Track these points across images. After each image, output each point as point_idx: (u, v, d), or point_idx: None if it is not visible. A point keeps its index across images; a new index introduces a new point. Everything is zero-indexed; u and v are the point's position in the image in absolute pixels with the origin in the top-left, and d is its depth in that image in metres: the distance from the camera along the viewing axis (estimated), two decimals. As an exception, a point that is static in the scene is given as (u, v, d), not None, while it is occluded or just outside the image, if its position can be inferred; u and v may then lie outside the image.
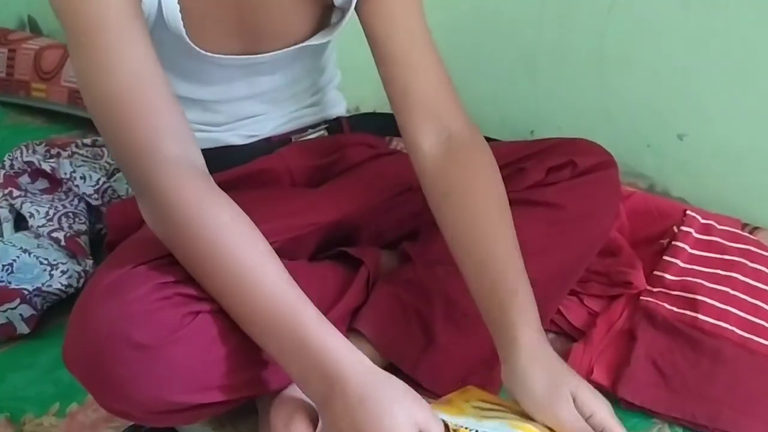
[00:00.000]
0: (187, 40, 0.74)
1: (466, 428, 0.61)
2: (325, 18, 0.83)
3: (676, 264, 0.93)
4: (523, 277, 0.71)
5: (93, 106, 0.65)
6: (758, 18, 0.91)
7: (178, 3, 0.72)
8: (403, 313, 0.82)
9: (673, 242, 0.94)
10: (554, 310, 0.90)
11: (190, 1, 0.73)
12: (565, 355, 0.86)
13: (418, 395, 0.60)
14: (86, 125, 1.51)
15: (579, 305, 0.94)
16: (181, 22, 0.73)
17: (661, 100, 1.03)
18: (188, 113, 0.72)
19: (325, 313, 0.78)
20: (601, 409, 0.64)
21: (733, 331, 0.86)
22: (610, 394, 0.81)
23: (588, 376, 0.84)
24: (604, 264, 0.94)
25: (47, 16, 1.88)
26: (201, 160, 0.66)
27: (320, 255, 0.86)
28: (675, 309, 0.88)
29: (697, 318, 0.87)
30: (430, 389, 0.82)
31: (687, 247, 0.94)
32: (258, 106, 0.87)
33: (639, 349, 0.85)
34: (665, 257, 0.93)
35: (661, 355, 0.84)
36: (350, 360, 0.60)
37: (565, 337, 0.92)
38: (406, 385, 0.60)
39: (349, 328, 0.81)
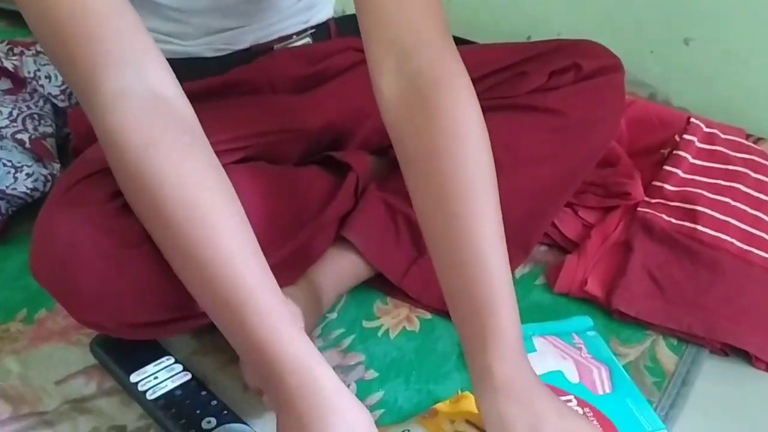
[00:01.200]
0: None
1: None
2: None
3: (676, 174, 0.89)
4: (508, 287, 0.58)
5: (32, 17, 0.57)
6: None
7: None
8: (393, 220, 0.78)
9: (675, 151, 0.90)
10: (549, 222, 0.86)
11: None
12: (558, 268, 0.84)
13: (370, 423, 0.52)
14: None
15: (573, 217, 0.90)
16: None
17: (668, 2, 0.97)
18: (150, 21, 0.64)
19: (311, 221, 0.76)
20: None
21: (732, 242, 0.83)
22: (603, 306, 0.79)
23: (581, 288, 0.81)
24: (600, 175, 0.90)
25: None
26: (166, 85, 0.57)
27: (306, 160, 0.81)
28: (673, 220, 0.85)
29: (696, 229, 0.83)
30: (416, 299, 0.80)
31: (689, 157, 0.90)
32: (225, 20, 0.77)
33: (635, 260, 0.81)
34: (665, 167, 0.89)
35: (657, 267, 0.81)
36: (306, 379, 0.52)
37: (558, 249, 0.89)
38: (363, 412, 0.52)
39: (336, 236, 0.78)
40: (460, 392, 0.66)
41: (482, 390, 0.56)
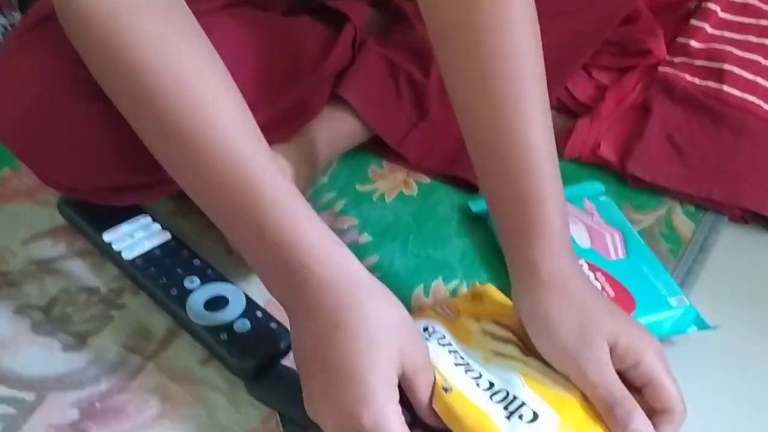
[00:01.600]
0: None
1: (466, 375, 0.47)
2: None
3: (703, 29, 0.81)
4: (557, 179, 0.52)
5: None
6: None
7: None
8: (394, 78, 0.72)
9: (703, 3, 0.82)
10: (563, 84, 0.80)
11: None
12: (568, 132, 0.77)
13: (410, 320, 0.46)
14: None
15: (586, 78, 0.83)
16: None
17: None
18: None
19: (305, 75, 0.68)
20: (649, 354, 0.47)
21: (760, 105, 0.77)
22: (617, 170, 0.74)
23: (594, 152, 0.75)
24: (618, 32, 0.82)
25: None
26: None
27: (298, 8, 0.72)
28: (697, 80, 0.78)
29: (721, 90, 0.77)
30: (416, 164, 0.74)
31: (718, 9, 0.82)
32: None
33: (653, 123, 0.75)
34: (692, 21, 0.82)
35: (678, 129, 0.75)
36: (326, 256, 0.45)
37: (568, 113, 0.82)
38: (401, 307, 0.46)
39: (331, 94, 0.70)
40: (477, 284, 0.60)
41: (525, 288, 0.50)
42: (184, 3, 0.50)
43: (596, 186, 0.72)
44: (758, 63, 0.78)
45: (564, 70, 0.77)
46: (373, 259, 0.65)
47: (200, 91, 0.47)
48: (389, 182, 0.74)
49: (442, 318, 0.53)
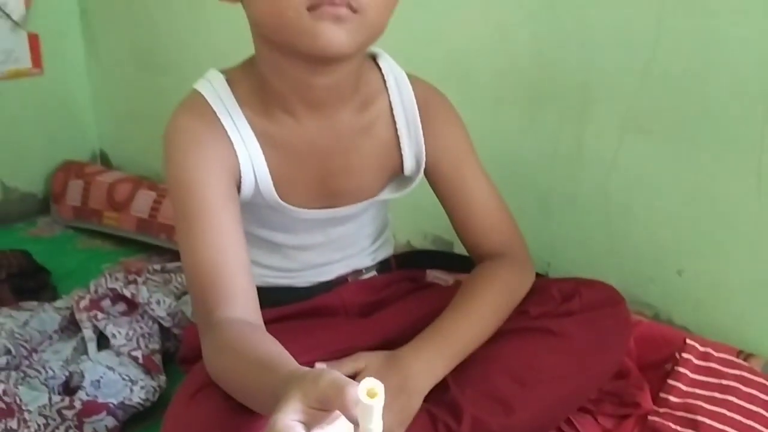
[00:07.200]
0: (280, 201, 0.91)
1: None
2: (395, 175, 1.00)
3: (678, 387, 1.04)
4: (457, 336, 0.88)
5: (184, 267, 0.83)
6: (739, 172, 1.08)
7: (270, 175, 0.89)
8: (434, 426, 0.89)
9: (676, 367, 1.06)
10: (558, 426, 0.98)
11: (281, 171, 0.90)
12: (582, 469, 0.97)
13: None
14: (151, 250, 1.70)
15: (594, 423, 1.04)
16: (275, 192, 0.89)
17: (660, 240, 1.18)
18: (270, 259, 0.90)
19: None
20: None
21: (732, 444, 0.96)
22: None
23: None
24: (615, 385, 1.05)
25: (117, 151, 2.12)
26: (259, 321, 0.81)
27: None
28: (679, 428, 1.00)
29: (698, 437, 0.98)
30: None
31: (688, 372, 1.06)
32: (328, 253, 1.01)
33: (649, 464, 0.95)
34: (669, 381, 1.05)
35: (667, 472, 0.94)
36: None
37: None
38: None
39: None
40: None
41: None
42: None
43: None
44: (725, 415, 0.99)
45: (563, 414, 0.97)
46: None
47: None
48: None
49: None
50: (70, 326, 1.27)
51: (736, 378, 1.05)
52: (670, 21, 1.08)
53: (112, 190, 1.79)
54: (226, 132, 0.86)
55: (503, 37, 1.28)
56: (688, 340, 1.09)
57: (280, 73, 0.85)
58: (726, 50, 1.04)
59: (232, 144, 0.86)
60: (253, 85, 0.89)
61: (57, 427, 1.02)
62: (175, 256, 1.57)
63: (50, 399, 1.04)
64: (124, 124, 2.06)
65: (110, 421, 1.05)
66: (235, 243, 0.83)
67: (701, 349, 1.09)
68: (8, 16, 1.83)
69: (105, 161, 2.13)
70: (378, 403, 0.52)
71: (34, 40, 1.90)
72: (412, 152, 0.97)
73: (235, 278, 0.82)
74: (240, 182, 0.88)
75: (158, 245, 1.67)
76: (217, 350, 0.78)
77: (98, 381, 1.09)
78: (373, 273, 1.08)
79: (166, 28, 1.84)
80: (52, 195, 1.94)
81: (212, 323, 0.79)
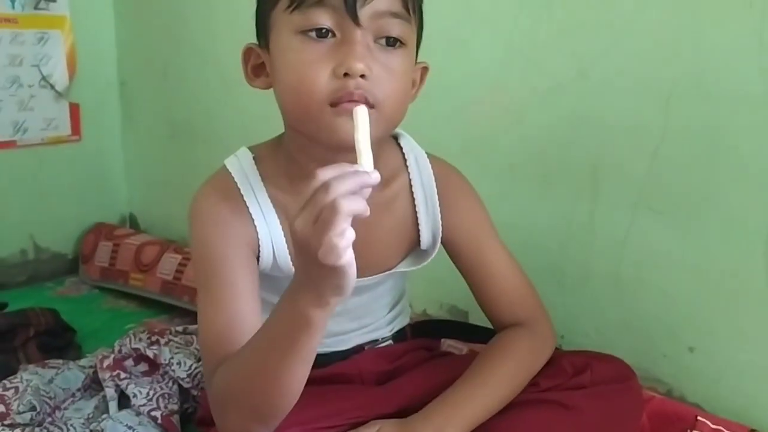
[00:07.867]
0: None
1: None
2: (412, 248, 1.04)
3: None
4: (469, 399, 0.91)
5: (200, 327, 0.89)
6: (746, 251, 1.11)
7: (288, 248, 0.94)
8: None
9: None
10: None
11: None
12: None
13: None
14: (174, 311, 1.75)
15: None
16: (292, 265, 0.94)
17: (672, 317, 1.20)
18: None
19: None
20: None
21: None
22: None
23: None
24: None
25: (145, 215, 2.20)
26: None
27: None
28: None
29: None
30: None
31: (703, 440, 1.07)
32: (345, 323, 1.05)
33: None
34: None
35: None
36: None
37: None
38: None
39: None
40: None
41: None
42: None
43: None
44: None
45: None
46: None
47: None
48: None
49: None
50: (93, 385, 1.31)
51: (748, 458, 1.05)
52: (678, 108, 1.14)
53: (139, 252, 1.85)
54: (247, 208, 0.93)
55: (518, 120, 1.35)
56: (699, 417, 1.10)
57: (306, 152, 0.92)
58: (729, 136, 1.09)
59: (252, 220, 0.93)
60: (280, 161, 0.95)
61: (76, 484, 1.04)
62: (196, 318, 1.61)
63: (71, 456, 1.07)
64: (154, 189, 2.14)
65: (129, 480, 1.07)
66: (246, 309, 0.88)
67: (713, 426, 1.09)
68: (52, 86, 1.94)
69: (134, 224, 2.20)
70: None
71: (74, 109, 2.00)
72: (429, 227, 1.02)
73: (243, 339, 0.86)
74: (259, 254, 0.94)
75: (181, 307, 1.72)
76: (218, 390, 0.84)
77: (118, 439, 1.11)
78: (389, 342, 1.11)
79: (199, 102, 1.94)
80: (81, 255, 2.01)
81: (215, 378, 0.85)
